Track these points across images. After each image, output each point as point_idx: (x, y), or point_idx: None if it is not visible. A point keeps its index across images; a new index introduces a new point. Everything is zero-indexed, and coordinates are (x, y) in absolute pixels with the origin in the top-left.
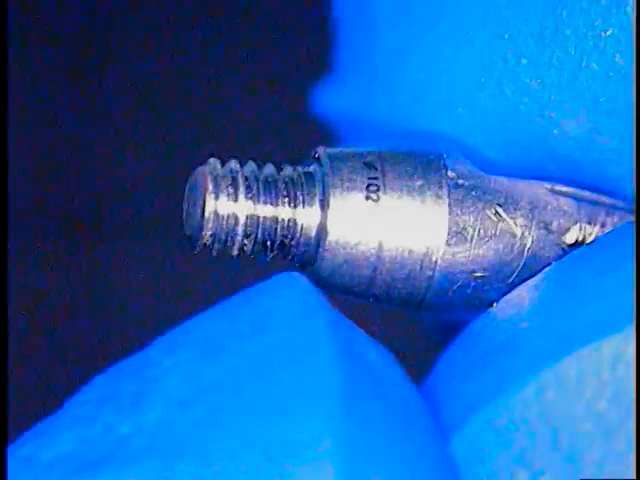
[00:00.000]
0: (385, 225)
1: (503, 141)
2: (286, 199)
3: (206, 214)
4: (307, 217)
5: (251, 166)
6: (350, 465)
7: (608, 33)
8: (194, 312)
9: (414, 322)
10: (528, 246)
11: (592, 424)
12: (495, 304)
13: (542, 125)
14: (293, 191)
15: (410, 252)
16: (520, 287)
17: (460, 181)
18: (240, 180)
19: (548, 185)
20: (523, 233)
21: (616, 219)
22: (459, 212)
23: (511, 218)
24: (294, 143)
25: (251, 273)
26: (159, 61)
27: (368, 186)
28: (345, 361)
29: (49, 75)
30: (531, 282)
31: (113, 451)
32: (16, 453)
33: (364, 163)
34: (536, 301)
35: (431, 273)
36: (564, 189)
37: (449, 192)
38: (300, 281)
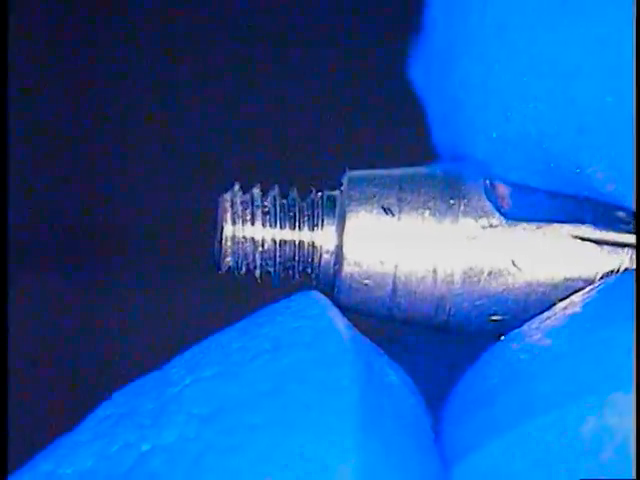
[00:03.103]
0: (402, 246)
1: (531, 169)
2: (305, 223)
3: (223, 239)
4: (325, 239)
5: (274, 192)
6: None
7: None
8: (212, 332)
9: (434, 343)
10: (544, 294)
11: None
12: (503, 337)
13: (565, 165)
14: (313, 214)
15: (426, 275)
16: (531, 324)
17: (480, 219)
18: (258, 205)
19: (569, 229)
20: (540, 283)
21: None
22: (473, 247)
23: (527, 270)
24: (330, 168)
25: (269, 293)
26: (167, 76)
27: (386, 206)
28: (366, 383)
29: (48, 90)
30: (543, 322)
31: (133, 468)
32: (37, 468)
33: (384, 183)
34: (546, 344)
35: (447, 295)
36: (586, 233)
37: (466, 223)
38: (320, 300)
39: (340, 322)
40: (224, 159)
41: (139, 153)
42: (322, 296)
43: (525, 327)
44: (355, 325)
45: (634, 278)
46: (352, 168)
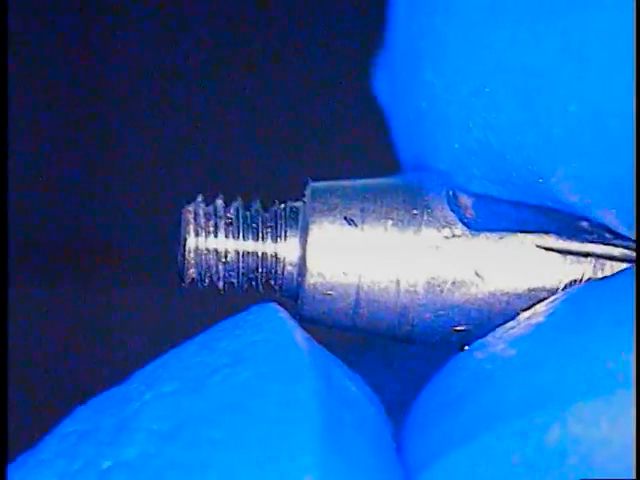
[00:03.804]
0: (365, 256)
1: (493, 179)
2: (268, 234)
3: (187, 250)
4: (288, 250)
5: (237, 203)
6: None
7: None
8: (172, 345)
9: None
10: (508, 304)
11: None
12: (467, 347)
13: (528, 175)
14: (276, 226)
15: (389, 286)
16: (495, 334)
17: (442, 229)
18: (221, 217)
19: (532, 239)
20: (503, 293)
21: (607, 271)
22: (436, 258)
23: (490, 280)
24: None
25: (231, 303)
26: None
27: (348, 217)
28: (325, 396)
29: (42, 97)
30: (507, 332)
31: None
32: None
33: (346, 194)
34: (510, 354)
35: (410, 305)
36: (549, 243)
37: (429, 233)
38: (278, 312)
39: (299, 335)
40: (199, 167)
41: (128, 161)
42: (280, 308)
43: (489, 337)
44: (316, 333)
45: (598, 288)
46: (315, 179)
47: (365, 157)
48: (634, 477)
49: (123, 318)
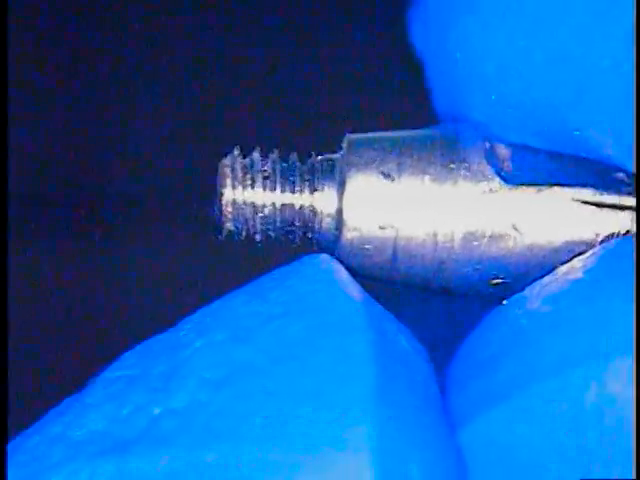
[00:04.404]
0: (402, 210)
1: (530, 130)
2: (306, 186)
3: (224, 203)
4: (325, 202)
5: (274, 156)
6: (384, 450)
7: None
8: (215, 294)
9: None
10: (545, 257)
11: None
12: (504, 301)
13: (564, 127)
14: (313, 178)
15: (426, 239)
16: (532, 289)
17: (480, 183)
18: (259, 170)
19: (570, 192)
20: (540, 246)
21: None
22: (473, 211)
23: (527, 233)
24: (330, 132)
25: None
26: (167, 51)
27: (385, 172)
28: (378, 348)
29: (48, 68)
30: (544, 287)
31: (144, 431)
32: (45, 429)
33: (383, 147)
34: (548, 310)
35: (447, 259)
36: (586, 196)
37: (466, 187)
38: (330, 263)
39: (352, 287)
40: (225, 121)
41: (140, 112)
42: (332, 259)
43: (526, 292)
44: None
45: (634, 245)
46: (352, 131)
47: (403, 107)
48: (634, 477)
49: (136, 272)
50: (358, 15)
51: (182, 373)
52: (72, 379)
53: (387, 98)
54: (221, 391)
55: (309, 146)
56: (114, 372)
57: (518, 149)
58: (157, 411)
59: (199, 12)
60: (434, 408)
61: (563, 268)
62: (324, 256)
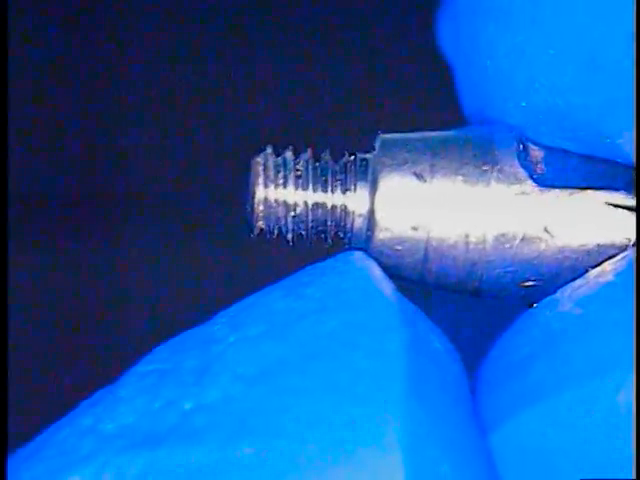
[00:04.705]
0: (434, 212)
1: (562, 136)
2: (338, 186)
3: (256, 201)
4: (357, 202)
5: (306, 154)
6: (416, 449)
7: None
8: (243, 291)
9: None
10: (577, 261)
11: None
12: (535, 304)
13: (595, 134)
14: (345, 178)
15: (458, 241)
16: (563, 291)
17: (512, 186)
18: (291, 168)
19: (602, 196)
20: (572, 249)
21: None
22: (505, 213)
23: (559, 236)
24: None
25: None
26: (172, 57)
27: (418, 172)
28: (412, 347)
29: (52, 70)
30: (576, 290)
31: (175, 426)
32: (76, 422)
33: (416, 147)
34: (579, 313)
35: (479, 261)
36: (618, 200)
37: (499, 189)
38: (365, 261)
39: (386, 285)
40: (256, 120)
41: (141, 112)
42: (367, 257)
43: (558, 294)
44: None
45: None
46: (384, 131)
47: (433, 109)
48: (634, 477)
49: (137, 273)
50: (389, 14)
51: (215, 368)
52: (73, 381)
53: (418, 97)
54: (254, 387)
55: (342, 145)
56: (147, 366)
57: (551, 152)
58: (189, 406)
59: (211, 14)
60: (466, 409)
61: (594, 271)
62: (359, 253)
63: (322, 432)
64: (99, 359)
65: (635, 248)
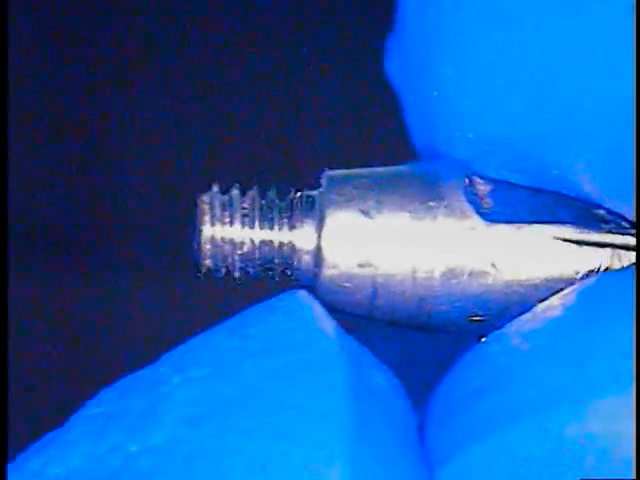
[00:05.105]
0: (381, 248)
1: (509, 168)
2: (285, 223)
3: (203, 240)
4: (304, 239)
5: (252, 192)
6: None
7: None
8: (197, 331)
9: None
10: (525, 295)
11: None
12: (484, 338)
13: (543, 165)
14: (292, 215)
15: (405, 277)
16: (511, 326)
17: (459, 221)
18: (237, 206)
19: (549, 230)
20: (520, 283)
21: (624, 261)
22: (452, 249)
23: (507, 271)
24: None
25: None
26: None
27: (365, 209)
28: (354, 385)
29: (49, 84)
30: (523, 325)
31: (121, 469)
32: (24, 467)
33: (363, 184)
34: (527, 348)
35: (427, 296)
36: (566, 234)
37: (446, 224)
38: (308, 300)
39: (329, 324)
40: (202, 158)
41: (136, 150)
42: (310, 296)
43: (505, 329)
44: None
45: (616, 278)
46: (331, 167)
47: (380, 142)
48: (634, 477)
49: (127, 308)
50: (335, 52)
51: (160, 410)
52: (64, 411)
53: (364, 133)
54: (200, 428)
55: (287, 182)
56: (93, 409)
57: (498, 185)
58: (134, 449)
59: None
60: (412, 445)
61: (542, 305)
62: (302, 292)
63: (266, 474)
64: (90, 390)
65: (636, 273)
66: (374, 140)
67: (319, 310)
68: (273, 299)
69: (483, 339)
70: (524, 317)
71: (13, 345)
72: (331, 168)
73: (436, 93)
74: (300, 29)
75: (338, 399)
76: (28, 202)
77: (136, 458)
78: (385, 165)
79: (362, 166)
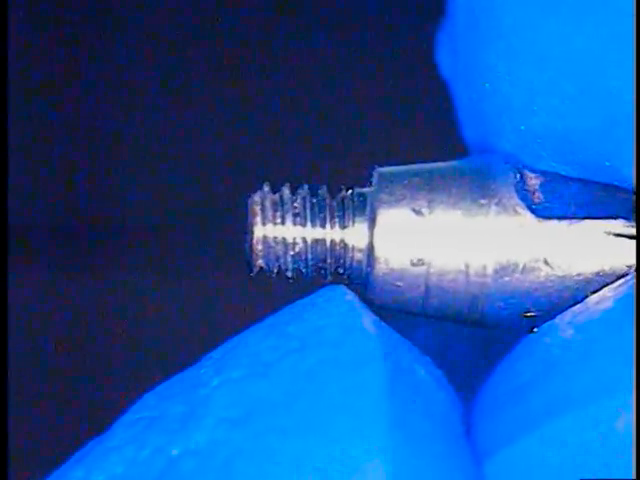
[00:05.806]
0: (433, 246)
1: (561, 160)
2: (336, 221)
3: (254, 240)
4: (356, 237)
5: (303, 191)
6: None
7: None
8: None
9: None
10: (577, 290)
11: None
12: (536, 329)
13: (594, 157)
14: (343, 213)
15: (458, 275)
16: (563, 317)
17: (511, 218)
18: (289, 205)
19: (601, 225)
20: (573, 279)
21: None
22: (504, 246)
23: (559, 267)
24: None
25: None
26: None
27: (416, 208)
28: (393, 381)
29: (48, 91)
30: (576, 316)
31: (163, 473)
32: (68, 474)
33: (413, 182)
34: (579, 339)
35: (480, 294)
36: (618, 229)
37: (498, 222)
38: (346, 296)
39: (367, 318)
40: (248, 158)
41: (147, 146)
42: (348, 291)
43: (557, 320)
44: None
45: None
46: (382, 163)
47: (432, 139)
48: (634, 477)
49: (132, 308)
50: (388, 47)
51: (200, 413)
52: (73, 414)
53: (416, 128)
54: (239, 430)
55: (339, 180)
56: (135, 414)
57: (549, 178)
58: (176, 452)
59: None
60: (455, 437)
61: (594, 297)
62: (340, 288)
63: (307, 472)
64: (100, 393)
65: (636, 273)
66: (424, 135)
67: (357, 304)
68: (310, 296)
69: (535, 330)
70: (576, 308)
71: (13, 345)
72: (380, 165)
73: (487, 85)
74: (349, 22)
75: (375, 395)
76: (28, 202)
77: (178, 461)
78: (435, 160)
79: (412, 162)
